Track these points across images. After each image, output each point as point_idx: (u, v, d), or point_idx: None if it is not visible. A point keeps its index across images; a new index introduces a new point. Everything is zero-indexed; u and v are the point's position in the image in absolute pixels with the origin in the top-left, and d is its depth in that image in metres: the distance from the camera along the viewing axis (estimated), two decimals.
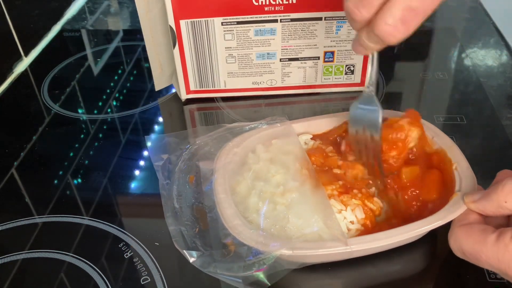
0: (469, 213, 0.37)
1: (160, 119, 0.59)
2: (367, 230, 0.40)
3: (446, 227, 0.38)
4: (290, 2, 0.52)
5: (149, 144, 0.50)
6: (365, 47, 0.39)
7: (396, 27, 0.34)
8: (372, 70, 0.42)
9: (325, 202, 0.40)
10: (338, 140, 0.47)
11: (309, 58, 0.57)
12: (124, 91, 0.64)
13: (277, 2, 0.52)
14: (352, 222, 0.40)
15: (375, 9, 0.35)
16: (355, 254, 0.39)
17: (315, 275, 0.39)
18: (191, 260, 0.38)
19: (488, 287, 0.38)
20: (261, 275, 0.37)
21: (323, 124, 0.49)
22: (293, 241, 0.37)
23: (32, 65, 0.70)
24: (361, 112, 0.43)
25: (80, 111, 0.61)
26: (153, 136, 0.55)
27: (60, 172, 0.51)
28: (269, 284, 0.37)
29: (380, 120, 0.42)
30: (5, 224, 0.45)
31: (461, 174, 0.41)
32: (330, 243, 0.37)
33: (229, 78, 0.58)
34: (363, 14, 0.36)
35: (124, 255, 0.42)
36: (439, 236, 0.42)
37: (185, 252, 0.39)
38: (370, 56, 0.42)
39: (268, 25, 0.54)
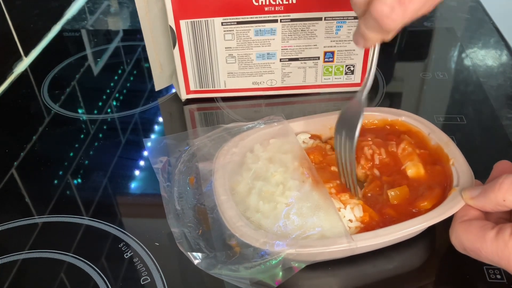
0: (469, 208, 0.37)
1: (160, 119, 0.59)
2: (366, 227, 0.40)
3: (445, 222, 0.38)
4: (290, 2, 0.52)
5: (148, 146, 0.50)
6: (364, 38, 0.37)
7: (392, 8, 0.33)
8: (370, 69, 0.40)
9: (327, 199, 0.40)
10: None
11: (309, 58, 0.57)
12: (124, 91, 0.64)
13: (277, 2, 0.52)
14: (350, 221, 0.40)
15: None
16: (358, 251, 0.39)
17: (315, 274, 0.39)
18: (196, 262, 0.38)
19: (488, 286, 0.38)
20: (276, 271, 0.37)
21: (320, 122, 0.49)
22: (299, 240, 0.37)
23: (32, 65, 0.70)
24: (345, 116, 0.42)
25: (80, 111, 0.61)
26: (151, 138, 0.55)
27: (60, 172, 0.51)
28: (275, 286, 0.37)
29: (357, 128, 0.40)
30: (5, 224, 0.45)
31: (458, 169, 0.42)
32: (335, 240, 0.37)
33: (229, 78, 0.58)
34: None
35: (124, 255, 0.42)
36: (437, 231, 0.42)
37: (190, 254, 0.39)
38: (370, 52, 0.40)
39: (268, 25, 0.54)
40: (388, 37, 0.37)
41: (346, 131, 0.41)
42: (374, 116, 0.49)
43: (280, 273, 0.37)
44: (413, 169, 0.43)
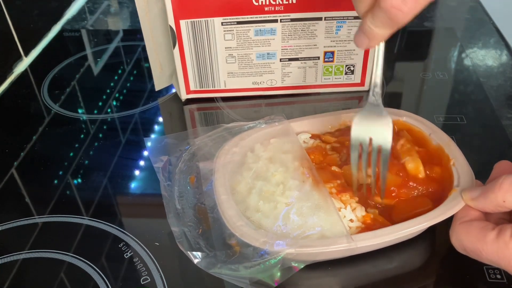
0: (469, 209, 0.37)
1: (160, 119, 0.59)
2: (368, 226, 0.40)
3: (445, 222, 0.38)
4: (290, 2, 0.53)
5: (148, 145, 0.50)
6: (369, 36, 0.36)
7: (404, 0, 0.32)
8: (376, 70, 0.38)
9: (327, 199, 0.40)
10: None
11: (309, 58, 0.57)
12: (124, 91, 0.64)
13: (277, 2, 0.53)
14: (351, 220, 0.40)
15: None
16: (358, 251, 0.39)
17: (315, 274, 0.39)
18: (196, 261, 0.38)
19: (488, 287, 0.38)
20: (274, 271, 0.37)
21: (321, 122, 0.49)
22: (299, 240, 0.37)
23: (32, 65, 0.70)
24: (366, 123, 0.40)
25: (80, 111, 0.61)
26: (152, 137, 0.55)
27: (60, 172, 0.51)
28: (274, 285, 0.37)
29: (391, 133, 0.39)
30: (5, 224, 0.45)
31: (459, 170, 0.42)
32: (335, 240, 0.37)
33: (229, 78, 0.58)
34: None
35: (124, 255, 0.42)
36: (437, 231, 0.42)
37: (190, 254, 0.39)
38: (376, 52, 0.38)
39: (268, 25, 0.54)
40: (392, 32, 0.36)
41: (376, 139, 0.39)
42: None
43: (279, 273, 0.37)
44: (413, 164, 0.43)
